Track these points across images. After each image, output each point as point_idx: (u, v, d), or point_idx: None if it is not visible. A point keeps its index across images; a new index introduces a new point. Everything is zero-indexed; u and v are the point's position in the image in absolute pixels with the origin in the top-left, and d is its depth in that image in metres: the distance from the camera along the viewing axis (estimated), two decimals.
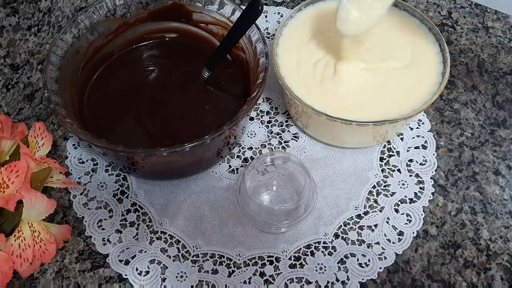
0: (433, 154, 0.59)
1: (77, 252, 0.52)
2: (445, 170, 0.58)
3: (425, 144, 0.60)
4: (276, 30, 0.60)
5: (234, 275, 0.51)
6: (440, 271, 0.51)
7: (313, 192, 0.51)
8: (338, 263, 0.51)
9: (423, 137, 0.61)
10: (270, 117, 0.63)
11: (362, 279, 0.50)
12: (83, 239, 0.53)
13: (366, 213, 0.55)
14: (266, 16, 0.73)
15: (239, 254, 0.52)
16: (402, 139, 0.61)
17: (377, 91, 0.54)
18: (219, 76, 0.59)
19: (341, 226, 0.54)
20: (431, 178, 0.57)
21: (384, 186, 0.57)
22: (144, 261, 0.52)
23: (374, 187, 0.57)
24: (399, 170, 0.58)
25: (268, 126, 0.62)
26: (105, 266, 0.51)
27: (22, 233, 0.47)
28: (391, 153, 0.59)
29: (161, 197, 0.56)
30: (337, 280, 0.50)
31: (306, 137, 0.61)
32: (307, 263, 0.51)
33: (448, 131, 0.62)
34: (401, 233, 0.53)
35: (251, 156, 0.59)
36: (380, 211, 0.55)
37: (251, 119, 0.62)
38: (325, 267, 0.51)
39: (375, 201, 0.56)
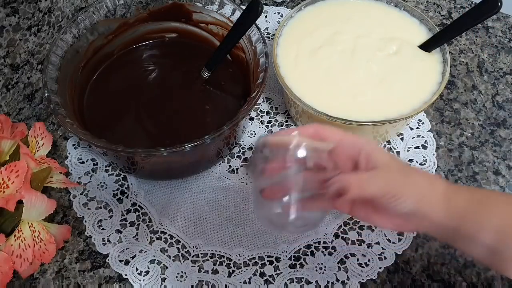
0: (433, 154, 0.59)
1: (77, 252, 0.52)
2: (445, 170, 0.58)
3: (425, 144, 0.60)
4: (276, 30, 0.60)
5: (234, 275, 0.51)
6: (440, 271, 0.51)
7: None
8: (338, 263, 0.51)
9: (423, 137, 0.61)
10: (270, 117, 0.63)
11: (362, 279, 0.50)
12: (83, 239, 0.53)
13: None
14: (266, 16, 0.73)
15: (239, 254, 0.52)
16: (402, 139, 0.61)
17: (377, 91, 0.54)
18: (219, 76, 0.59)
19: (341, 226, 0.54)
20: None
21: None
22: (144, 261, 0.52)
23: None
24: None
25: (268, 126, 0.62)
26: (105, 266, 0.51)
27: (22, 233, 0.47)
28: (391, 153, 0.59)
29: (161, 197, 0.56)
30: (337, 280, 0.50)
31: None
32: (307, 263, 0.51)
33: (448, 131, 0.61)
34: (401, 233, 0.53)
35: (251, 156, 0.59)
36: None
37: (251, 119, 0.62)
38: (325, 267, 0.51)
39: None
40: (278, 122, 0.62)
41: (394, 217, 0.38)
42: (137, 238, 0.53)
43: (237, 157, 0.59)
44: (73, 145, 0.60)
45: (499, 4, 0.48)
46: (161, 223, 0.54)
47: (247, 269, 0.51)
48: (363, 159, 0.37)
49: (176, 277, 0.51)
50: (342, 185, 0.36)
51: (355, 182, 0.36)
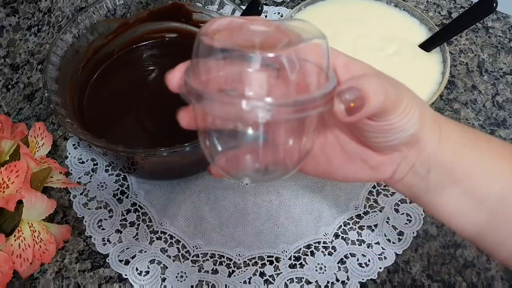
0: None
1: (77, 252, 0.52)
2: None
3: None
4: None
5: (234, 275, 0.51)
6: (440, 271, 0.51)
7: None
8: (338, 263, 0.51)
9: None
10: None
11: (362, 279, 0.50)
12: (83, 239, 0.53)
13: (366, 213, 0.55)
14: (266, 16, 0.73)
15: (239, 254, 0.52)
16: None
17: None
18: None
19: (341, 226, 0.54)
20: None
21: (384, 186, 0.57)
22: (144, 261, 0.52)
23: (374, 187, 0.57)
24: None
25: None
26: (105, 266, 0.51)
27: (22, 233, 0.47)
28: None
29: (161, 197, 0.56)
30: (337, 280, 0.50)
31: None
32: (307, 263, 0.51)
33: None
34: (401, 233, 0.53)
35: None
36: (380, 211, 0.55)
37: None
38: (325, 267, 0.51)
39: (375, 201, 0.56)
40: None
41: (380, 150, 0.30)
42: (137, 238, 0.53)
43: None
44: (73, 145, 0.60)
45: (494, 5, 0.48)
46: (161, 223, 0.54)
47: (247, 269, 0.51)
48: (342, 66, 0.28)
49: (176, 277, 0.51)
50: (362, 92, 0.25)
51: (377, 86, 0.25)
